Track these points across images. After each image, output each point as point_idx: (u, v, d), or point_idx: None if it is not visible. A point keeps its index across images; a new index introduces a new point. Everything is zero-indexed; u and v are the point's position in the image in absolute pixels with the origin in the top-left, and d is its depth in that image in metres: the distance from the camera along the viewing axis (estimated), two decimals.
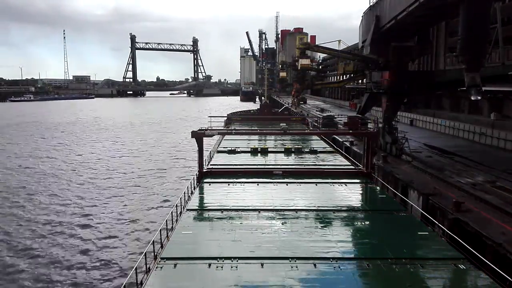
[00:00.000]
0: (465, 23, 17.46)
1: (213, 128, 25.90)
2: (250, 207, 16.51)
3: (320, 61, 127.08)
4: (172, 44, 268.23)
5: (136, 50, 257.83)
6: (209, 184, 20.57)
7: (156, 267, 11.17)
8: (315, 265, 11.30)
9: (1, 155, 50.48)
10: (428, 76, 28.89)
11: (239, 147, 29.45)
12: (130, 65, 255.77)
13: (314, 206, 16.73)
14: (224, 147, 29.86)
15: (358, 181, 21.61)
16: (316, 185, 20.26)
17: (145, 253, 11.55)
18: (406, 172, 22.54)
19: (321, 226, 14.71)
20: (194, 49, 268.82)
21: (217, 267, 11.15)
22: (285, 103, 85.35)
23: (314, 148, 29.68)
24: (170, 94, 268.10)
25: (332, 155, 28.32)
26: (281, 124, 31.61)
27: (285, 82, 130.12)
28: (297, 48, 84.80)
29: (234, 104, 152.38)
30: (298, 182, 20.68)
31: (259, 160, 26.39)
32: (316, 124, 43.16)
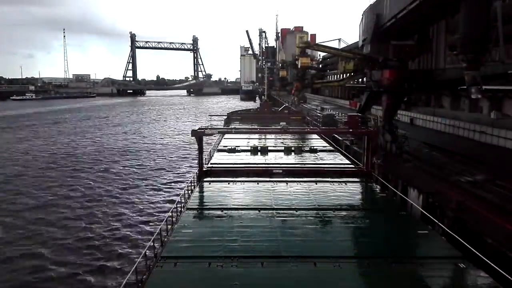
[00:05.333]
0: (466, 21, 17.43)
1: (213, 126, 25.92)
2: (250, 206, 16.55)
3: (320, 60, 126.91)
4: (172, 43, 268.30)
5: (136, 49, 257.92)
6: (209, 183, 20.59)
7: (156, 266, 11.20)
8: (315, 263, 11.32)
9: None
10: (428, 74, 28.81)
11: (239, 146, 29.47)
12: (130, 64, 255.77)
13: (314, 205, 16.76)
14: (224, 146, 29.88)
15: (358, 180, 21.63)
16: (316, 184, 20.28)
17: (145, 252, 11.58)
18: (406, 170, 22.54)
19: (321, 225, 14.74)
20: (194, 48, 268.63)
21: (217, 266, 11.17)
22: (285, 101, 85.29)
23: (314, 147, 29.69)
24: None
25: (332, 153, 28.35)
26: (281, 123, 31.69)
27: (285, 81, 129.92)
28: (297, 46, 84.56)
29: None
30: (298, 181, 20.70)
31: (259, 159, 26.40)
32: (316, 122, 43.15)
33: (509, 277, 9.78)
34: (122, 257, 20.77)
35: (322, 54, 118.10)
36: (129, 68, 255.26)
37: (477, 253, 11.31)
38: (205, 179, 21.22)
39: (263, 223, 14.71)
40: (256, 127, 37.79)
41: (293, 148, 29.37)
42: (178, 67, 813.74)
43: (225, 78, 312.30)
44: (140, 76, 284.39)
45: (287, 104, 76.93)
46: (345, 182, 20.67)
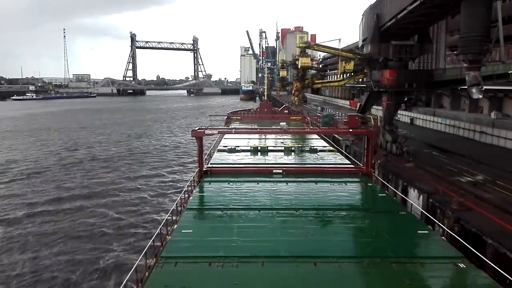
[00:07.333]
0: (467, 21, 17.44)
1: (213, 127, 25.88)
2: (250, 206, 16.50)
3: (320, 60, 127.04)
4: (173, 43, 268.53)
5: (136, 49, 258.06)
6: (209, 183, 20.54)
7: (157, 266, 11.17)
8: (315, 263, 11.29)
9: None
10: (429, 74, 28.86)
11: (239, 146, 29.42)
12: (130, 64, 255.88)
13: (314, 205, 16.72)
14: (224, 146, 29.83)
15: (358, 180, 21.58)
16: (316, 184, 20.23)
17: (145, 252, 11.56)
18: (406, 170, 22.53)
19: (321, 225, 14.70)
20: (194, 48, 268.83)
21: (217, 266, 11.14)
22: (285, 101, 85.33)
23: (314, 147, 29.62)
24: None
25: (332, 153, 28.28)
26: (281, 123, 31.62)
27: (285, 81, 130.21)
28: (297, 47, 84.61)
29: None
30: (298, 181, 20.65)
31: (259, 159, 26.35)
32: (316, 122, 43.12)
33: (509, 277, 9.77)
34: (122, 257, 20.77)
35: (322, 54, 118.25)
36: (129, 68, 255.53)
37: (477, 253, 11.31)
38: (205, 179, 21.18)
39: (263, 223, 14.67)
40: (256, 127, 37.69)
41: (293, 148, 29.32)
42: (178, 67, 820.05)
43: (225, 78, 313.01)
44: (140, 76, 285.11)
45: (287, 104, 76.91)
46: (345, 182, 20.62)
